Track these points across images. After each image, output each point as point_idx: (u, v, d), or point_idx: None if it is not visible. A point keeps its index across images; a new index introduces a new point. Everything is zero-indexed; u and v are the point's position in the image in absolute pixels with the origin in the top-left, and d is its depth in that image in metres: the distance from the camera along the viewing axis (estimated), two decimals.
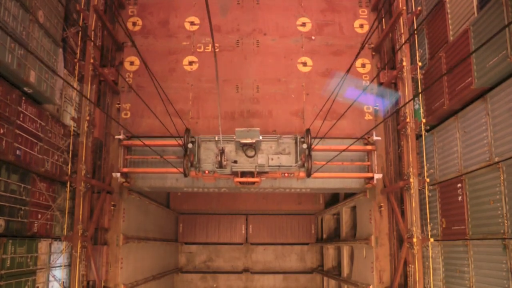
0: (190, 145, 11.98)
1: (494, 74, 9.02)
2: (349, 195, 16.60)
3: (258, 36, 14.24)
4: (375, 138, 12.88)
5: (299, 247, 24.44)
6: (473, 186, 9.97)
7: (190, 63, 14.02)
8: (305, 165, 12.05)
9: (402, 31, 12.32)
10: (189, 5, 14.44)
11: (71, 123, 12.42)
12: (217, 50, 14.12)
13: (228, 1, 14.45)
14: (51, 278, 11.52)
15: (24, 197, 10.38)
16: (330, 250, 21.84)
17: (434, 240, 11.38)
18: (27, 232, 10.52)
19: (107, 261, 12.93)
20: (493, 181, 9.17)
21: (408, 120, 12.05)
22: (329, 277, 20.99)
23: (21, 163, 10.16)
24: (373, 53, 14.11)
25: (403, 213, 12.41)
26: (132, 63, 14.01)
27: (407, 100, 12.04)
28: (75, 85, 12.41)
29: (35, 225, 10.88)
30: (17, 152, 9.96)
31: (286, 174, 12.53)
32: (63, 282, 11.88)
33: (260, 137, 11.59)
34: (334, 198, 20.96)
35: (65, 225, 12.07)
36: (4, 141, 9.43)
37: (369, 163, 13.17)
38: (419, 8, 12.10)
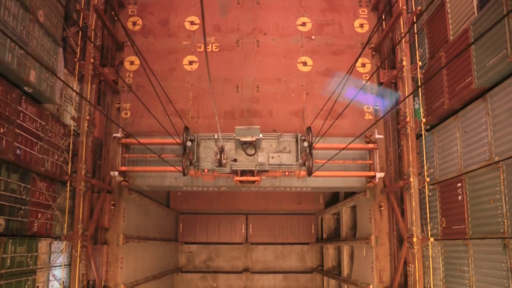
0: (189, 143, 11.91)
1: (494, 74, 9.02)
2: (349, 194, 16.59)
3: (258, 35, 14.25)
4: (377, 136, 12.77)
5: (299, 246, 24.44)
6: (473, 185, 9.97)
7: (190, 62, 14.03)
8: (306, 163, 11.95)
9: (402, 31, 12.33)
10: (189, 5, 14.44)
11: (71, 122, 12.42)
12: (217, 49, 14.13)
13: (228, 1, 14.46)
14: (51, 278, 11.53)
15: (24, 197, 10.39)
16: (330, 250, 21.85)
17: (434, 240, 11.38)
18: (27, 232, 10.52)
19: (107, 261, 12.93)
20: (493, 181, 9.17)
21: (408, 119, 12.05)
22: (329, 276, 21.00)
23: (21, 162, 10.17)
24: (373, 53, 14.11)
25: (403, 212, 12.41)
26: (132, 63, 14.02)
27: (407, 100, 12.04)
28: (75, 84, 12.42)
29: (35, 224, 10.88)
30: (17, 151, 9.97)
31: (286, 173, 12.44)
32: (63, 281, 11.89)
33: (260, 135, 11.52)
34: (334, 198, 20.97)
35: (65, 224, 12.08)
36: (4, 141, 9.43)
37: (371, 161, 13.06)
38: (419, 7, 12.10)
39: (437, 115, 11.57)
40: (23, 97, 10.26)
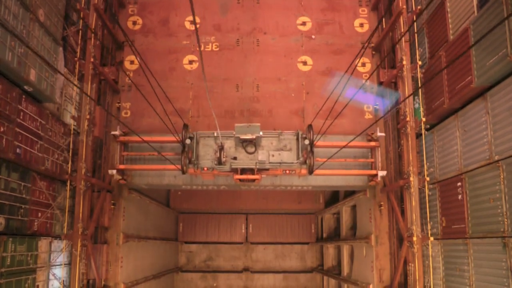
0: (188, 141, 11.78)
1: (494, 73, 9.02)
2: (349, 194, 16.59)
3: (258, 35, 14.25)
4: (379, 134, 12.68)
5: (299, 246, 24.44)
6: (473, 184, 9.97)
7: (190, 62, 14.03)
8: (307, 162, 11.80)
9: (402, 30, 12.33)
10: (189, 4, 14.35)
11: (71, 121, 12.42)
12: (217, 49, 14.14)
13: (228, 0, 14.46)
14: (51, 277, 11.53)
15: (24, 196, 10.39)
16: (330, 249, 21.85)
17: (434, 239, 11.38)
18: (27, 231, 10.53)
19: (107, 260, 12.93)
20: (493, 180, 9.18)
21: (408, 119, 12.04)
22: (329, 276, 21.00)
23: (21, 161, 10.17)
24: (373, 52, 14.11)
25: (403, 212, 12.41)
26: (132, 62, 14.03)
27: (407, 100, 12.04)
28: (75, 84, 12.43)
29: (35, 223, 10.88)
30: (17, 150, 9.97)
31: (287, 171, 12.31)
32: (63, 280, 11.90)
33: (261, 133, 11.38)
34: (334, 197, 20.97)
35: (65, 223, 12.08)
36: (4, 140, 9.44)
37: (372, 160, 12.98)
38: (419, 7, 12.10)
39: (437, 114, 11.57)
40: (23, 96, 10.26)
